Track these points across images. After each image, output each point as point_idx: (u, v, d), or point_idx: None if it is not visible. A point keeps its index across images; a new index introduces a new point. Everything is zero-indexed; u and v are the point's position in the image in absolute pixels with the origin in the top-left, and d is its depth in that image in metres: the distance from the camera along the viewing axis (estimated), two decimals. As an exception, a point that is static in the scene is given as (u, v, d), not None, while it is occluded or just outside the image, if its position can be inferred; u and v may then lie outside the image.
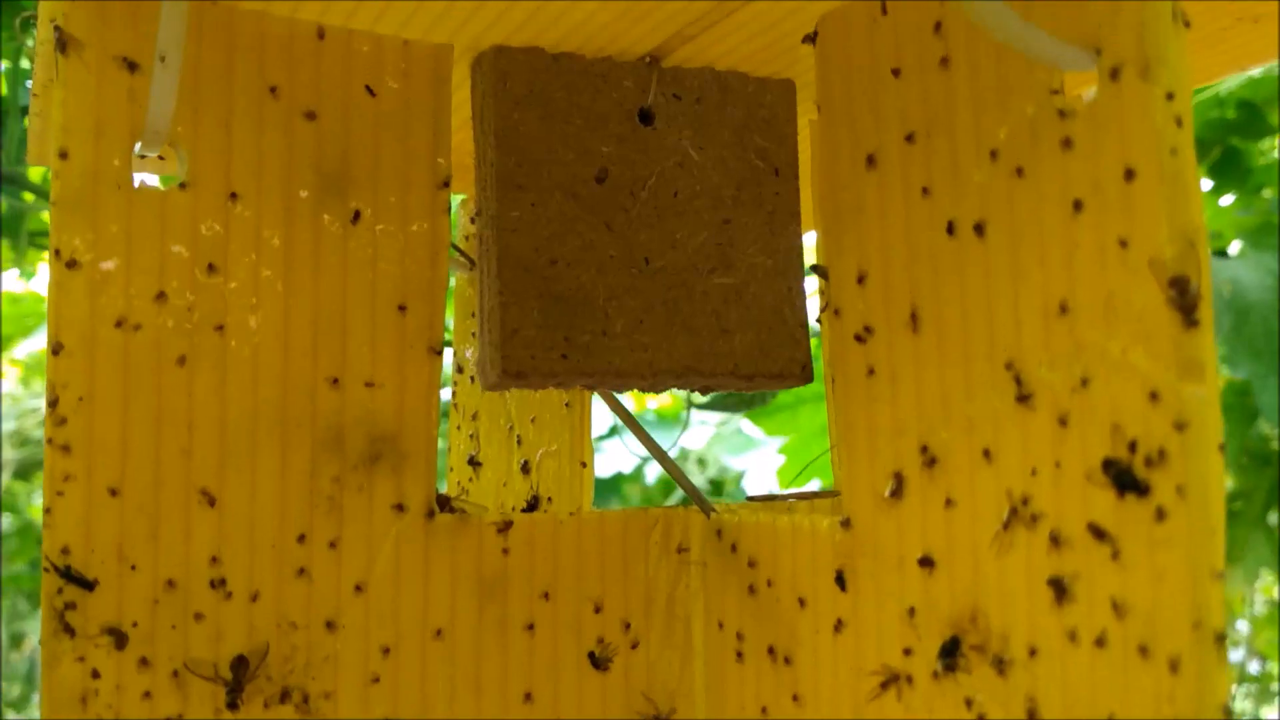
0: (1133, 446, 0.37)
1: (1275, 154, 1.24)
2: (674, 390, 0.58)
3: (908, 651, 0.45)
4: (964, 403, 0.43)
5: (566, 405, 0.65)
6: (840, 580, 0.48)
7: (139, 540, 0.46)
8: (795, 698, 0.50)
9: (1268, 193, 1.20)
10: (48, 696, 0.45)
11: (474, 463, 0.72)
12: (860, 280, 0.48)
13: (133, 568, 0.46)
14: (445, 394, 0.58)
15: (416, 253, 0.51)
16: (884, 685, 0.46)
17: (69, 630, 0.45)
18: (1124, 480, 0.37)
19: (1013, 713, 0.41)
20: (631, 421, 0.61)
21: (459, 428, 0.73)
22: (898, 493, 0.45)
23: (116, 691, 0.45)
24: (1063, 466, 0.39)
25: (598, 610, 0.55)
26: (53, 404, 0.45)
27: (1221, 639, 0.35)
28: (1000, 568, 0.42)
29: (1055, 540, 0.40)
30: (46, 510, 0.45)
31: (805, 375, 0.57)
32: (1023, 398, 0.41)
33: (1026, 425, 0.41)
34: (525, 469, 0.68)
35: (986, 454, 0.42)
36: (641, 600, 0.55)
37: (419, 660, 0.51)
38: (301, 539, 0.49)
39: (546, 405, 0.66)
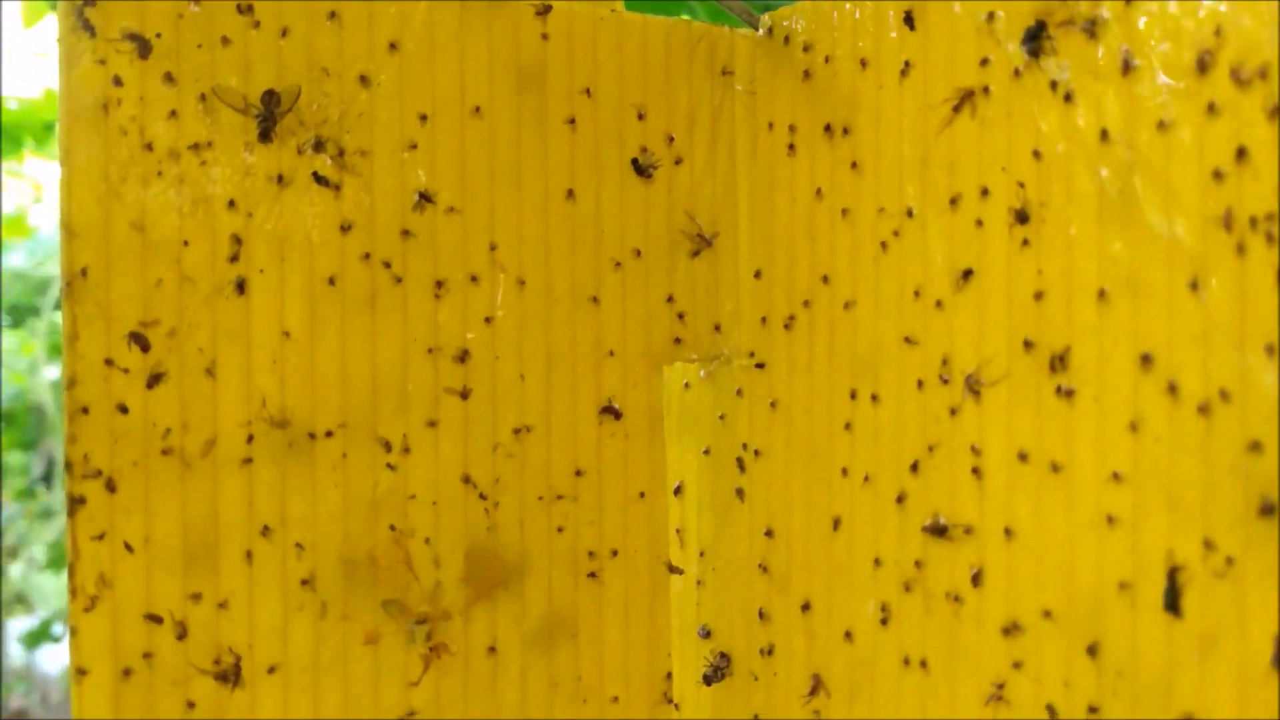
0: None
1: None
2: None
3: (984, 62, 0.42)
4: None
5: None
6: (909, 20, 0.45)
7: (162, -55, 0.43)
8: (854, 165, 0.47)
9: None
10: (66, 101, 0.42)
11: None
12: None
13: (156, -27, 0.43)
14: None
15: None
16: (956, 108, 0.43)
17: (88, 28, 0.42)
18: None
19: (1107, 65, 0.38)
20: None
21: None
22: (974, -102, 0.43)
23: (141, 104, 0.42)
24: None
25: (641, 118, 0.52)
26: None
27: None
28: (1092, -72, 0.39)
29: None
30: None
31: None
32: None
33: None
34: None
35: None
36: (685, 117, 0.53)
37: (457, 135, 0.48)
38: (333, -19, 0.45)
39: None
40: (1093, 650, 0.38)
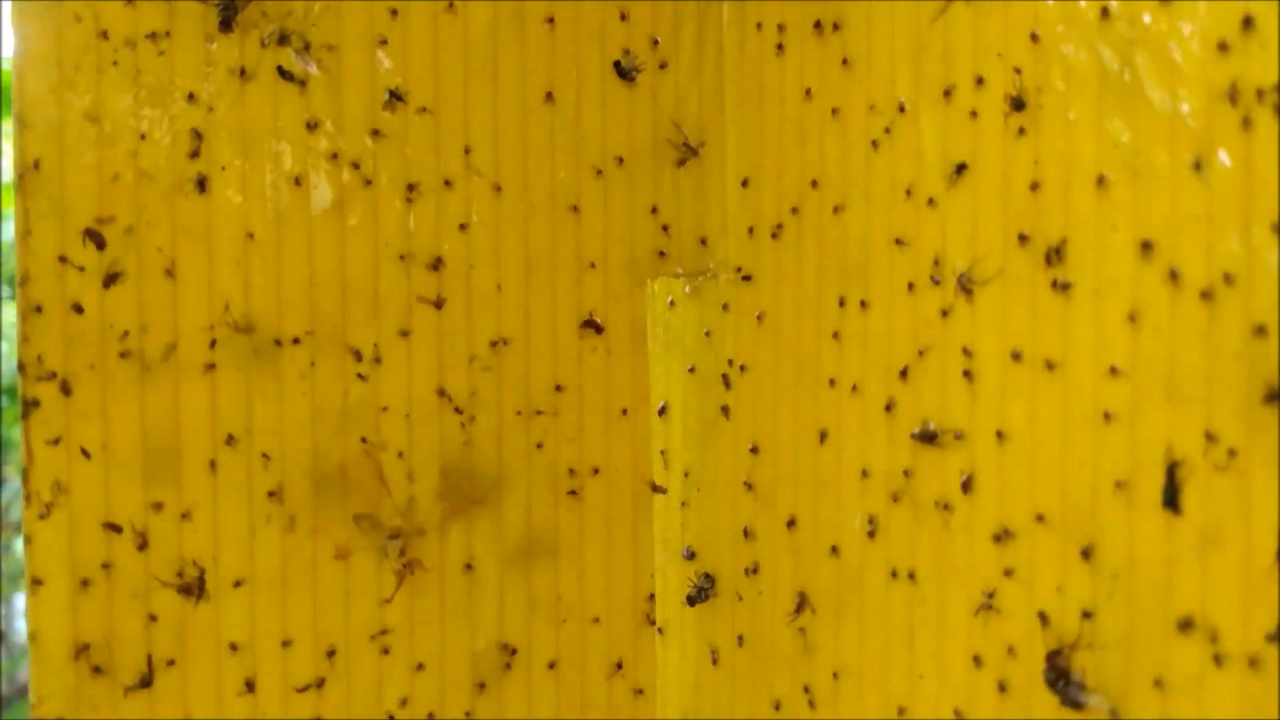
0: None
1: None
2: None
3: (979, -56, 0.40)
4: None
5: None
6: (899, -94, 0.43)
7: None
8: (844, 61, 0.45)
9: None
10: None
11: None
12: None
13: None
14: None
15: None
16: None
17: (38, -95, 0.40)
18: None
19: (1105, -56, 0.36)
20: None
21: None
22: None
23: (94, -11, 0.41)
24: None
25: (624, 18, 0.50)
26: None
27: None
28: None
29: None
30: None
31: None
32: None
33: None
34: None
35: None
36: (670, 19, 0.51)
37: (430, 31, 0.46)
38: None
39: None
40: (1087, 553, 0.37)
